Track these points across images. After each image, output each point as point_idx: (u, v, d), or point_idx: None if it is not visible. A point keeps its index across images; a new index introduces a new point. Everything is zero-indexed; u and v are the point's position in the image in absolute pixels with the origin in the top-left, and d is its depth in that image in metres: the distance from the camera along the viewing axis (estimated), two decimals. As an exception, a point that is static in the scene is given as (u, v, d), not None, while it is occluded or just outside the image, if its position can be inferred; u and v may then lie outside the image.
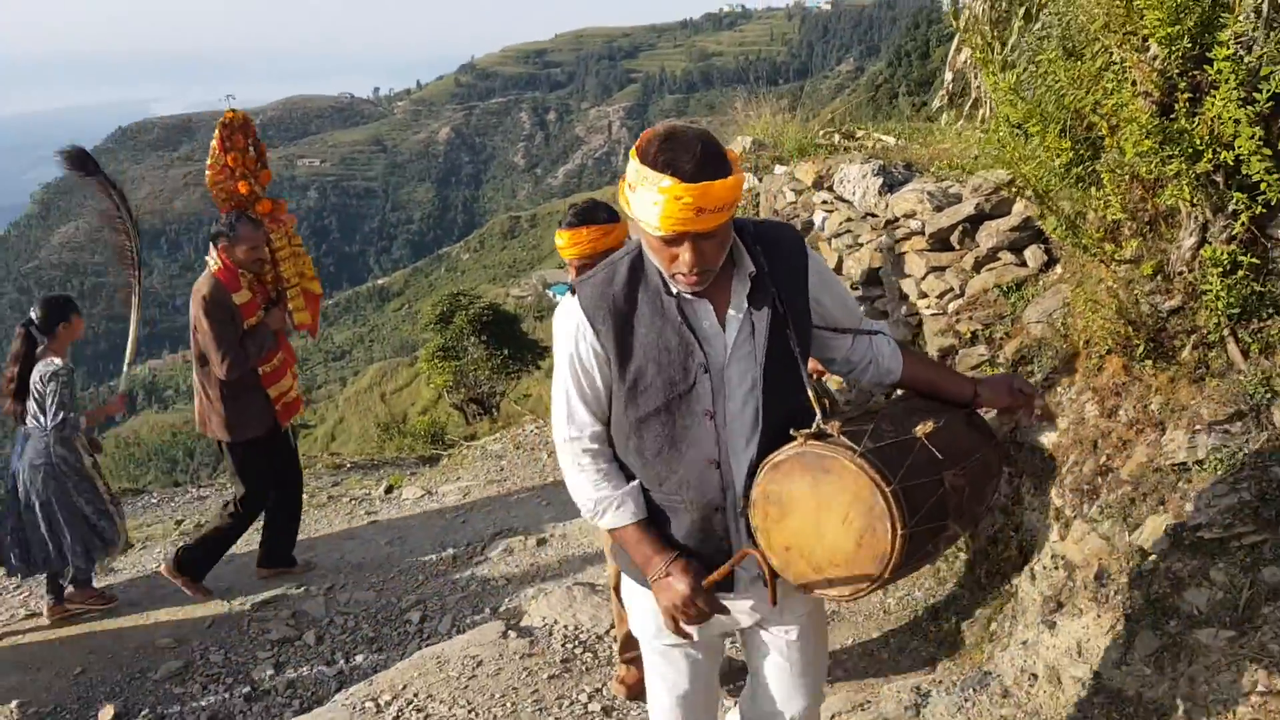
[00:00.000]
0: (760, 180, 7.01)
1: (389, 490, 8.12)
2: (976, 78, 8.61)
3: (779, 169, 7.03)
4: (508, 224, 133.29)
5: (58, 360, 5.33)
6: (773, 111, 10.20)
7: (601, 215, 3.61)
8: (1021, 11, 8.56)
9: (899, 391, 2.60)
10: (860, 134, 8.28)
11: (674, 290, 2.19)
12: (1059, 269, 4.64)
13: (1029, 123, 3.79)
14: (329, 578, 5.98)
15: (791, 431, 2.15)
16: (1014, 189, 4.76)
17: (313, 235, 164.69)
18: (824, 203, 6.07)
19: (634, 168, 2.03)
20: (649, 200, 1.99)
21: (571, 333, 2.28)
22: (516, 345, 24.31)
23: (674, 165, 1.96)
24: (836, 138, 8.31)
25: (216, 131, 5.81)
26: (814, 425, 2.16)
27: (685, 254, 2.05)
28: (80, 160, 5.76)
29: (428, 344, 24.87)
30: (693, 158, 1.97)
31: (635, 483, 2.33)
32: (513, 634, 4.63)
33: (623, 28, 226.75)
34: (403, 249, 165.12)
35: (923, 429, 2.11)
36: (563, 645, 4.53)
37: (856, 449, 2.04)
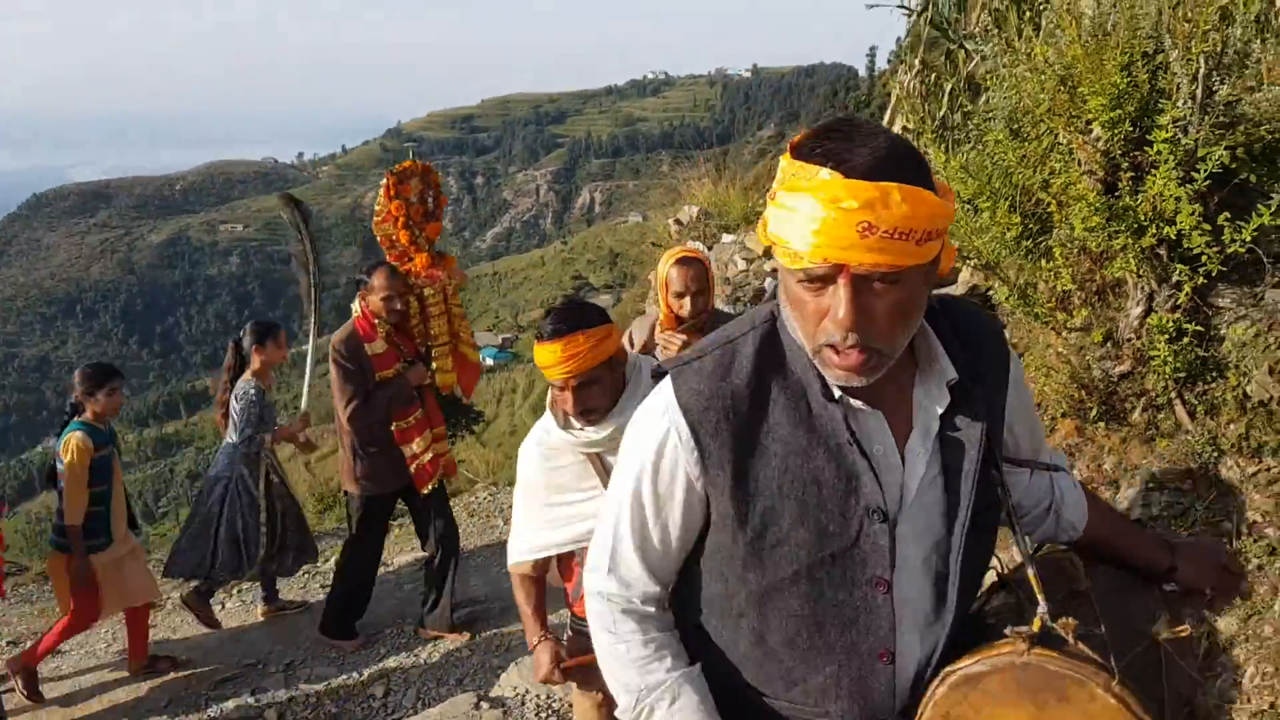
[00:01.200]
0: (710, 249, 7.21)
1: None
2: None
3: (727, 238, 7.24)
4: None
5: (252, 381, 5.87)
6: (712, 180, 10.47)
7: (593, 315, 2.88)
8: (949, 87, 9.02)
9: (1061, 546, 1.94)
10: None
11: (836, 392, 1.48)
12: (1006, 334, 4.86)
13: (979, 199, 4.02)
14: (288, 653, 5.90)
15: (1008, 631, 1.48)
16: (961, 258, 4.99)
17: (235, 301, 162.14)
18: (775, 271, 6.26)
19: (784, 167, 1.40)
20: (798, 211, 1.32)
21: (656, 441, 1.55)
22: (451, 411, 24.20)
23: (839, 156, 1.33)
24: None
25: (385, 178, 5.76)
26: (1036, 621, 1.48)
27: (841, 304, 1.34)
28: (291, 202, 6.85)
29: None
30: (871, 151, 1.33)
31: (697, 665, 1.62)
32: (485, 705, 4.63)
33: (549, 94, 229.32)
34: (328, 314, 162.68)
35: (1169, 631, 1.59)
36: (536, 715, 4.55)
37: (1113, 671, 1.41)
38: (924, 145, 7.75)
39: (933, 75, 9.08)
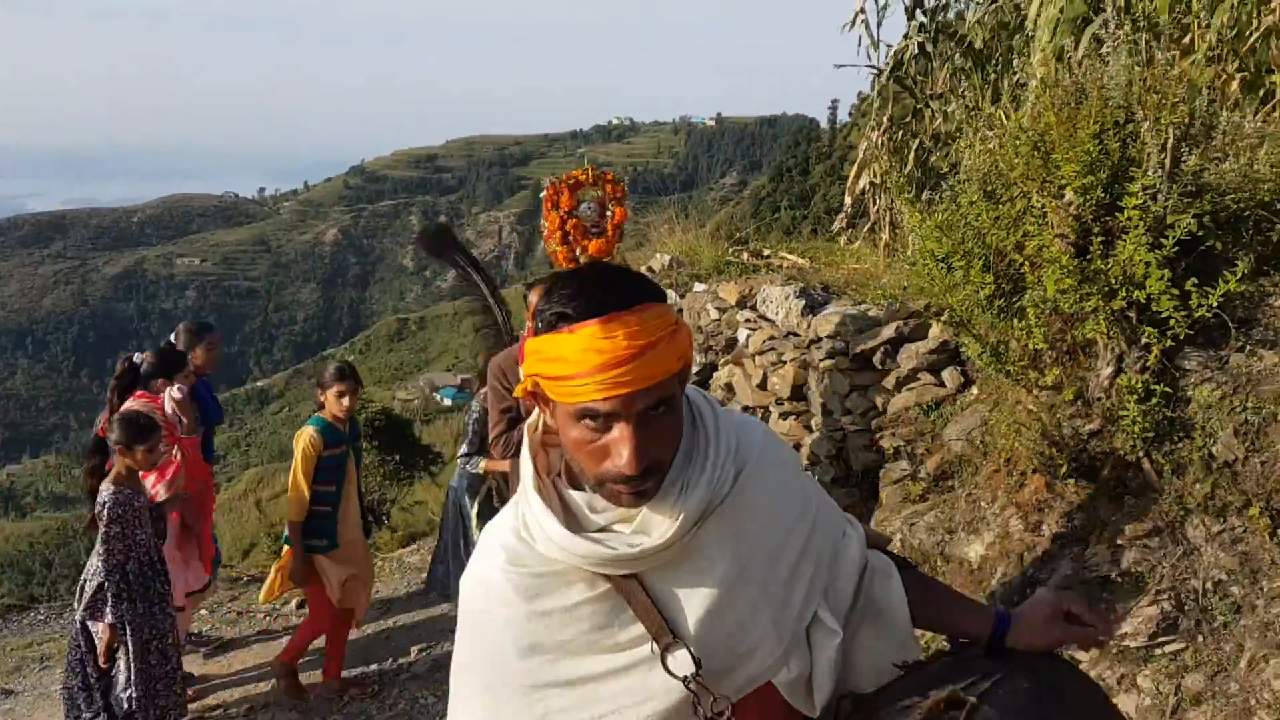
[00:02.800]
0: (683, 297, 7.27)
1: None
2: (875, 203, 9.15)
3: (699, 286, 7.31)
4: (395, 326, 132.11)
5: (476, 402, 5.76)
6: (681, 227, 10.57)
7: (650, 286, 2.71)
8: (915, 144, 9.21)
9: None
10: (768, 253, 8.68)
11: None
12: (975, 390, 4.95)
13: (952, 258, 4.11)
14: (249, 698, 5.80)
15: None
16: (931, 314, 5.09)
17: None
18: (747, 321, 6.34)
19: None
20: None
21: None
22: (409, 450, 23.95)
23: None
24: (746, 256, 8.69)
25: (547, 188, 5.13)
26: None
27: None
28: (430, 242, 6.18)
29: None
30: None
31: None
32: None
33: (514, 136, 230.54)
34: (284, 350, 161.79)
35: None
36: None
37: None
38: (896, 204, 7.91)
39: (899, 133, 9.28)
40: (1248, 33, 6.73)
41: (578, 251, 4.56)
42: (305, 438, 5.17)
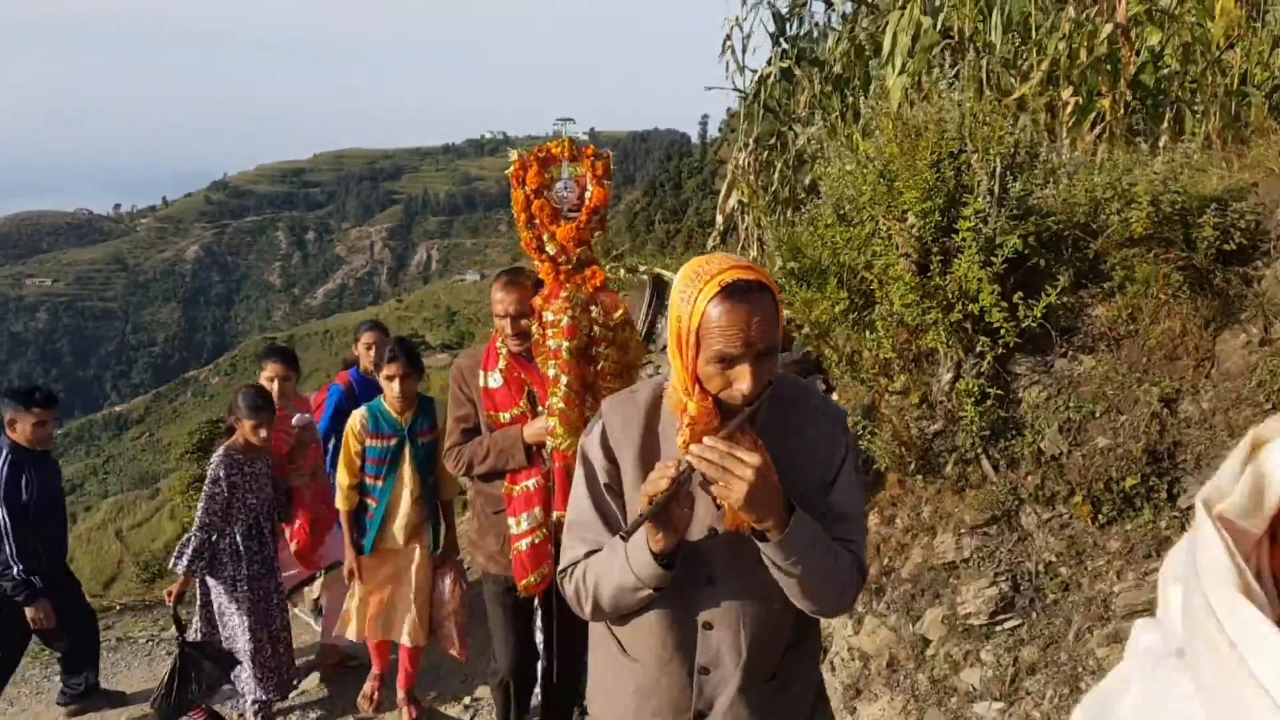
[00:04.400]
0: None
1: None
2: (744, 221, 9.57)
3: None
4: (262, 346, 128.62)
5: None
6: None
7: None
8: (780, 164, 9.69)
9: None
10: (643, 268, 9.01)
11: None
12: (835, 396, 5.33)
13: (811, 275, 4.48)
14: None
15: None
16: (795, 328, 5.47)
17: (42, 360, 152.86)
18: (624, 336, 6.61)
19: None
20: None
21: None
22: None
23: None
24: (622, 272, 9.01)
25: (513, 162, 3.90)
26: None
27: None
28: None
29: (180, 474, 23.66)
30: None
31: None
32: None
33: (384, 150, 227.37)
34: (144, 373, 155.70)
35: None
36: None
37: None
38: (761, 226, 8.33)
39: (765, 153, 9.74)
40: (1079, 60, 7.40)
41: (544, 239, 3.55)
42: (351, 422, 4.63)
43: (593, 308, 3.53)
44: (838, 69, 9.11)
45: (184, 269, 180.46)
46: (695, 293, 1.74)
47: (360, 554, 4.69)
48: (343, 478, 4.65)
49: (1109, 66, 7.34)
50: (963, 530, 3.98)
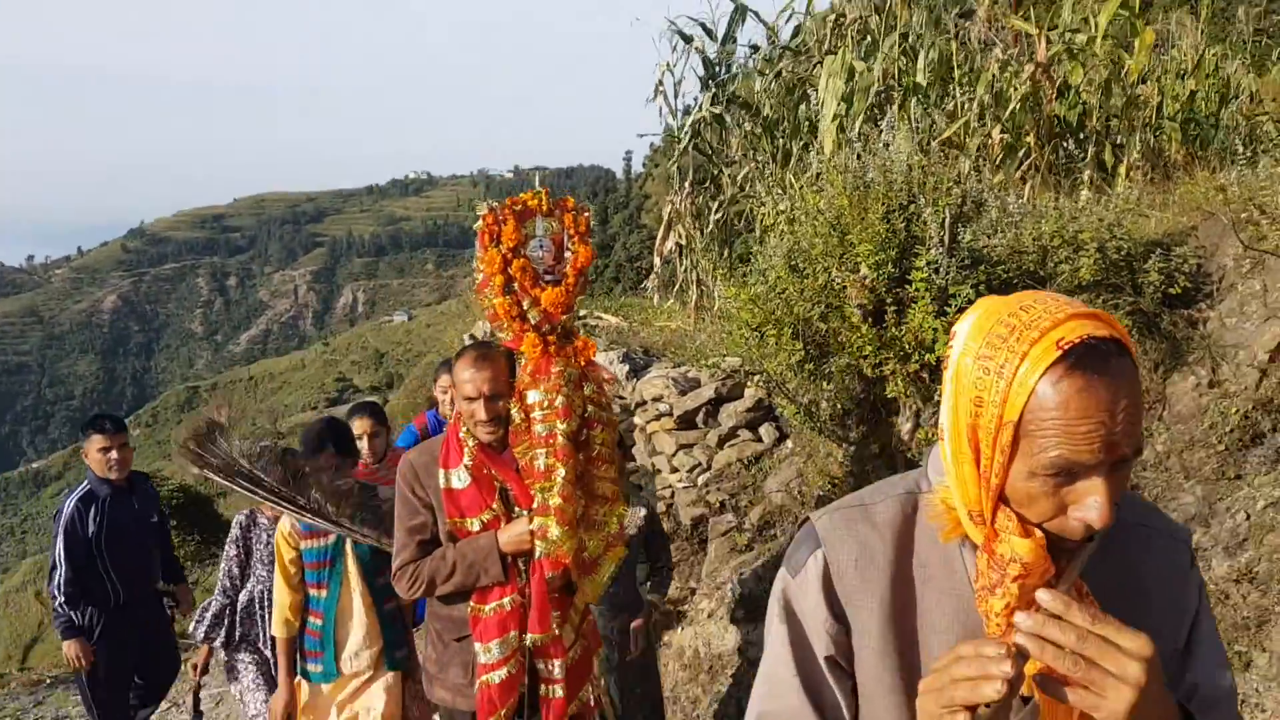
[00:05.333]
0: (506, 366, 7.44)
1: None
2: (683, 263, 9.60)
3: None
4: (185, 395, 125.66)
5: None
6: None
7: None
8: (715, 205, 9.76)
9: None
10: (584, 313, 8.98)
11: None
12: (790, 443, 5.34)
13: (765, 327, 4.48)
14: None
15: None
16: (747, 375, 5.47)
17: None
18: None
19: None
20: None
21: None
22: (211, 528, 22.91)
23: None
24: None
25: (482, 217, 3.46)
26: None
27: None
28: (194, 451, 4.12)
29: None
30: None
31: None
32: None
33: (307, 192, 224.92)
34: (61, 427, 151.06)
35: None
36: None
37: None
38: (701, 264, 8.35)
39: (700, 196, 9.82)
40: (1005, 100, 7.62)
41: (525, 305, 3.06)
42: (280, 523, 3.85)
43: (585, 384, 3.10)
44: (767, 111, 9.25)
45: (101, 319, 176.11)
46: (1014, 358, 1.09)
47: (319, 681, 3.79)
48: (281, 595, 3.77)
49: (1032, 105, 7.60)
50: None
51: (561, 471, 2.96)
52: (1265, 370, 3.65)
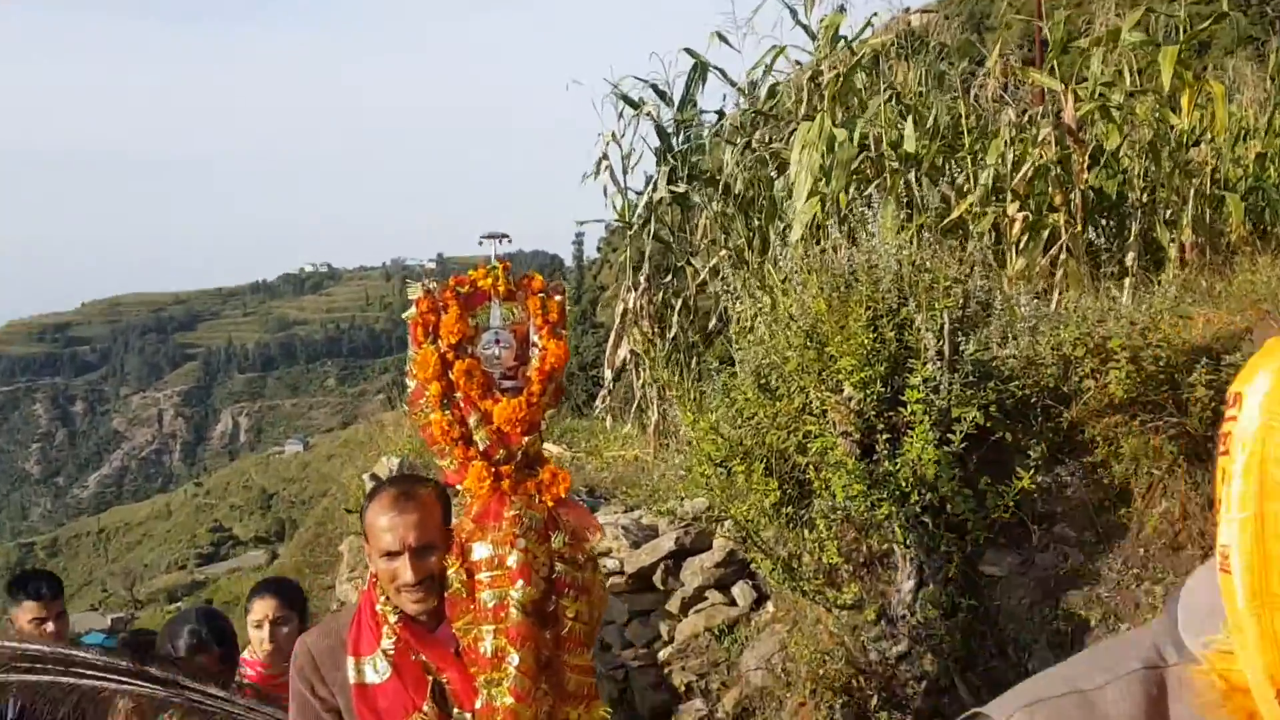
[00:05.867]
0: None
1: None
2: (639, 376, 9.68)
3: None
4: (16, 554, 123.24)
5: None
6: (403, 406, 10.77)
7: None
8: (679, 304, 9.89)
9: None
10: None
11: None
12: (770, 606, 5.34)
13: (731, 461, 4.53)
14: None
15: None
16: (713, 521, 5.50)
17: None
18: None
19: None
20: None
21: None
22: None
23: None
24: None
25: (416, 303, 3.16)
26: None
27: None
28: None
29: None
30: None
31: None
32: None
33: (174, 293, 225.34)
34: None
35: None
36: None
37: None
38: (659, 382, 8.44)
39: (658, 292, 9.95)
40: (1023, 170, 7.78)
41: (472, 422, 2.76)
42: None
43: (554, 535, 2.77)
44: (739, 188, 9.41)
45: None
46: None
47: None
48: None
49: (1059, 174, 7.71)
50: (944, 779, 3.98)
51: (516, 658, 2.64)
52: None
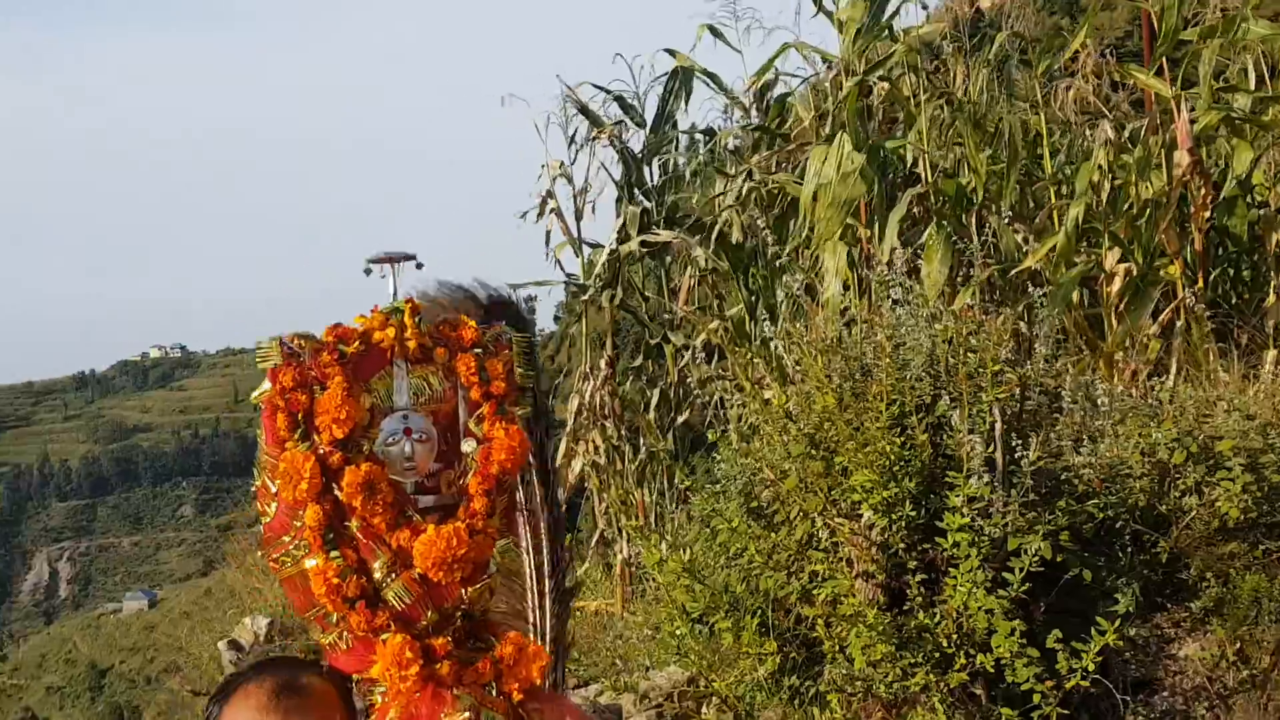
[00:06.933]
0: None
1: None
2: (602, 497, 9.69)
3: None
4: None
5: None
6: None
7: None
8: (654, 396, 9.94)
9: None
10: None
11: None
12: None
13: (714, 615, 4.59)
14: None
15: None
16: (696, 699, 5.54)
17: None
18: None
19: None
20: None
21: None
22: None
23: None
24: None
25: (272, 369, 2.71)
26: None
27: None
28: None
29: None
30: None
31: None
32: None
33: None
34: None
35: None
36: None
37: None
38: (649, 554, 8.49)
39: (625, 379, 9.97)
40: (1125, 205, 7.78)
41: (377, 566, 2.40)
42: None
43: None
44: (735, 236, 9.39)
45: None
46: None
47: None
48: None
49: (1178, 211, 7.62)
50: None
51: None
52: None
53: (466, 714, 2.25)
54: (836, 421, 4.30)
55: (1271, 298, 7.44)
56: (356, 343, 2.42)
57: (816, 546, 4.40)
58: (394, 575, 2.33)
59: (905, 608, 4.19)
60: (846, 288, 7.29)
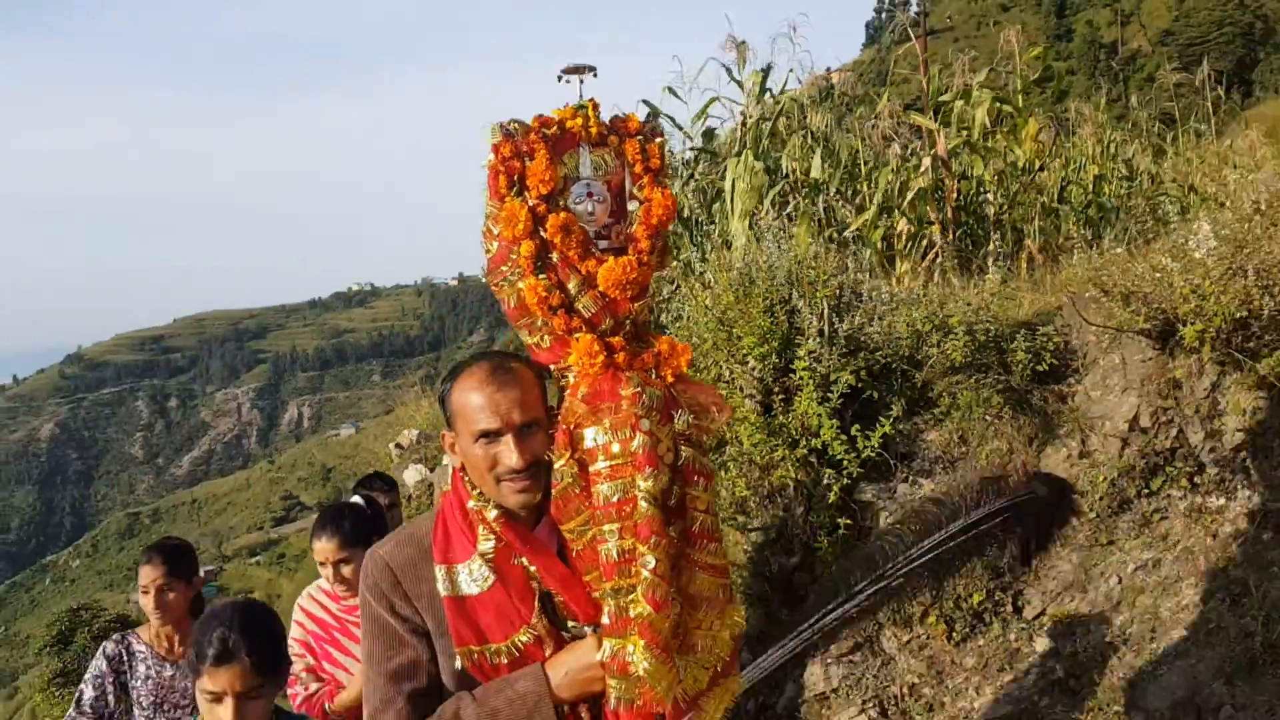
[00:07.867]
0: (432, 471, 7.52)
1: None
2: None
3: (447, 459, 7.59)
4: (125, 522, 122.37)
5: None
6: (428, 395, 10.83)
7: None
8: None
9: None
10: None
11: None
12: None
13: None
14: None
15: None
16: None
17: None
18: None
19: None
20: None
21: None
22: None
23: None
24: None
25: (494, 148, 2.17)
26: None
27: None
28: None
29: (40, 671, 22.24)
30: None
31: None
32: None
33: (248, 309, 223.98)
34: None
35: None
36: None
37: None
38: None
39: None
40: (908, 193, 8.03)
41: (572, 288, 2.05)
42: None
43: (676, 414, 2.01)
44: (685, 213, 9.51)
45: (38, 449, 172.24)
46: None
47: None
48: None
49: (936, 195, 8.02)
50: (829, 660, 4.10)
51: (650, 560, 1.84)
52: (1126, 439, 3.88)
53: (636, 388, 1.89)
54: (733, 309, 4.34)
55: (990, 245, 7.65)
56: (554, 128, 2.07)
57: (722, 380, 4.45)
58: (583, 292, 2.00)
59: (772, 414, 4.26)
60: (746, 241, 7.40)
